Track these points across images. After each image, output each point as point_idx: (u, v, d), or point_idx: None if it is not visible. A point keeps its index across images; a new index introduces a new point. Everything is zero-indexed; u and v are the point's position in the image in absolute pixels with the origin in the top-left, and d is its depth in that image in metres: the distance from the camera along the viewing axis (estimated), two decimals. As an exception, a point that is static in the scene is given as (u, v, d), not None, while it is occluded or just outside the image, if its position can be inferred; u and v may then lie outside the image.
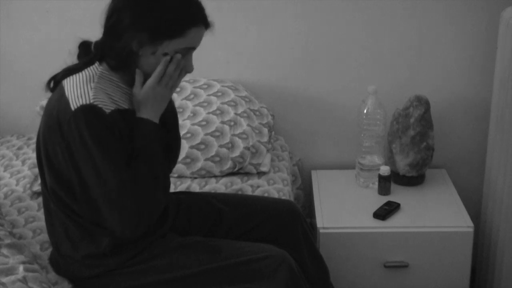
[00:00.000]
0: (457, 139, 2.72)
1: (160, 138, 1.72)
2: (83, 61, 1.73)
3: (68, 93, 1.64)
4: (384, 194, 2.50)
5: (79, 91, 1.64)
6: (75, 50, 1.76)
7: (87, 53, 1.74)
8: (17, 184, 2.29)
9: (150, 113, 1.70)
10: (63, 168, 1.69)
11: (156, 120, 1.71)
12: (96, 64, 1.72)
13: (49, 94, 1.78)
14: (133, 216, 1.64)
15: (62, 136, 1.64)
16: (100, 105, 1.63)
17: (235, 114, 2.46)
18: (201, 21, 1.69)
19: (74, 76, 1.69)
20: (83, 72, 1.70)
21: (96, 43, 1.70)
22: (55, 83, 1.73)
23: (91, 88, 1.65)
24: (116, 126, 1.65)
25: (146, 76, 1.72)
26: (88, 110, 1.61)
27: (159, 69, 1.67)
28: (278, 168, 2.46)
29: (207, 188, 2.32)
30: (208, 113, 2.43)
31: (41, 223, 2.04)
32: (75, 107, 1.62)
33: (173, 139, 1.89)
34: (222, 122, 2.42)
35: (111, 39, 1.66)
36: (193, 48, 1.71)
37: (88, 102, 1.62)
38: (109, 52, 1.68)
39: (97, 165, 1.62)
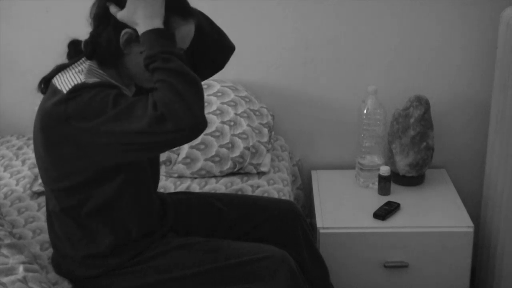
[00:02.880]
0: (457, 139, 2.72)
1: (168, 41, 1.58)
2: (73, 60, 1.72)
3: (60, 86, 1.62)
4: (384, 194, 2.50)
5: (69, 80, 1.62)
6: (65, 50, 1.75)
7: (77, 52, 1.73)
8: (17, 184, 2.29)
9: (146, 21, 1.56)
10: (73, 161, 1.64)
11: (156, 25, 1.56)
12: (83, 59, 1.70)
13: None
14: (186, 120, 1.50)
15: (65, 127, 1.58)
16: (92, 81, 1.60)
17: (235, 114, 2.46)
18: (189, 18, 1.67)
19: (63, 72, 1.68)
20: (72, 67, 1.68)
21: (86, 41, 1.69)
22: (46, 83, 1.72)
23: (81, 75, 1.63)
24: (113, 87, 1.59)
25: (133, 79, 1.71)
26: (81, 86, 1.58)
27: None
28: (278, 168, 2.46)
29: (207, 188, 2.32)
30: (208, 113, 2.43)
31: (41, 223, 2.04)
32: (67, 90, 1.59)
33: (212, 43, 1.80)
34: (222, 122, 2.42)
35: (100, 36, 1.65)
36: (181, 50, 1.68)
37: (79, 82, 1.60)
38: (98, 50, 1.66)
39: (120, 116, 1.52)
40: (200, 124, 1.53)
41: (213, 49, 1.87)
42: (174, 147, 1.63)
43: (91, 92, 1.57)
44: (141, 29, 1.58)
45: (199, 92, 1.55)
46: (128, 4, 1.59)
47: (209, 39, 1.85)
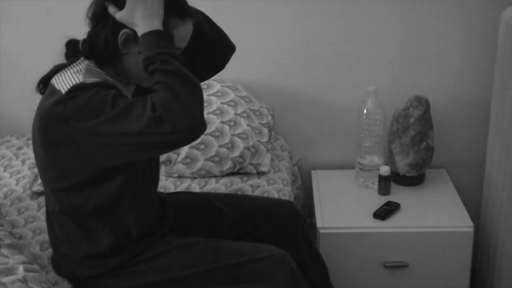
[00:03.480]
0: (457, 139, 2.72)
1: (166, 43, 1.58)
2: (72, 60, 1.72)
3: (59, 86, 1.62)
4: (384, 194, 2.50)
5: (68, 79, 1.62)
6: (63, 50, 1.75)
7: (75, 52, 1.73)
8: (17, 184, 2.29)
9: (144, 23, 1.57)
10: (72, 161, 1.64)
11: (155, 27, 1.57)
12: (82, 59, 1.70)
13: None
14: (184, 122, 1.50)
15: (64, 127, 1.58)
16: (91, 82, 1.60)
17: (235, 114, 2.46)
18: (187, 18, 1.67)
19: (61, 72, 1.68)
20: (70, 67, 1.68)
21: (84, 41, 1.69)
22: (44, 84, 1.72)
23: (80, 75, 1.63)
24: (112, 87, 1.60)
25: (131, 78, 1.71)
26: (79, 86, 1.58)
27: None
28: (278, 168, 2.46)
29: (207, 188, 2.32)
30: (208, 113, 2.43)
31: (41, 223, 2.04)
32: (66, 90, 1.59)
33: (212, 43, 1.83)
34: (222, 122, 2.42)
35: (98, 36, 1.65)
36: (179, 49, 1.68)
37: (78, 82, 1.60)
38: (96, 49, 1.66)
39: (118, 116, 1.52)
40: (197, 125, 1.52)
41: (214, 49, 1.87)
42: (173, 148, 1.64)
43: (89, 92, 1.57)
44: (140, 30, 1.58)
45: (197, 93, 1.55)
46: (127, 5, 1.59)
47: (209, 39, 1.85)
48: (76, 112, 1.56)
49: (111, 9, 1.61)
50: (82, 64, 1.68)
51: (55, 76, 1.67)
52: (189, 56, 1.82)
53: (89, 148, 1.59)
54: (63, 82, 1.62)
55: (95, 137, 1.56)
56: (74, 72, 1.65)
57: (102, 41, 1.64)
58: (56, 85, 1.63)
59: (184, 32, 1.67)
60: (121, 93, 1.61)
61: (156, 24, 1.58)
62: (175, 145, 1.59)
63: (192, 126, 1.51)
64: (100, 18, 1.64)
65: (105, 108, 1.54)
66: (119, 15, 1.60)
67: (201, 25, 1.81)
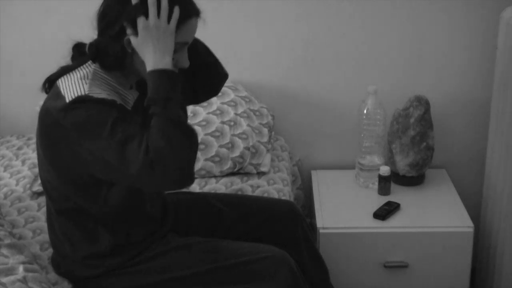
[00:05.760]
0: (457, 139, 2.72)
1: (173, 86, 1.60)
2: (78, 62, 1.72)
3: (64, 91, 1.62)
4: (384, 194, 2.50)
5: (73, 86, 1.62)
6: (69, 52, 1.75)
7: (81, 55, 1.72)
8: (17, 184, 2.29)
9: (156, 56, 1.58)
10: (70, 165, 1.65)
11: (165, 64, 1.58)
12: (89, 62, 1.70)
13: (48, 95, 1.76)
14: (173, 173, 1.53)
15: (63, 132, 1.59)
16: (96, 96, 1.60)
17: (235, 114, 2.46)
18: (193, 13, 1.66)
19: (68, 75, 1.68)
20: (77, 70, 1.68)
21: (91, 44, 1.68)
22: (50, 83, 1.72)
23: (86, 83, 1.63)
24: (115, 108, 1.60)
25: (141, 75, 1.70)
26: (83, 98, 1.59)
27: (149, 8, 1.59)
28: (278, 168, 2.46)
29: (207, 188, 2.32)
30: (208, 113, 2.43)
31: (41, 223, 2.04)
32: (70, 100, 1.59)
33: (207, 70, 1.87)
34: (222, 122, 2.42)
35: (105, 38, 1.64)
36: (186, 43, 1.67)
37: (83, 93, 1.60)
38: (103, 52, 1.65)
39: (113, 147, 1.54)
40: (186, 178, 1.56)
41: (208, 75, 1.89)
42: (156, 191, 1.75)
43: (92, 109, 1.58)
44: (149, 64, 1.59)
45: (193, 147, 1.57)
46: (140, 35, 1.59)
47: (203, 62, 1.86)
48: (76, 125, 1.58)
49: (129, 31, 1.61)
50: (89, 68, 1.68)
51: (62, 78, 1.67)
52: (190, 78, 1.84)
53: (83, 159, 1.60)
54: (69, 88, 1.62)
55: (88, 154, 1.58)
56: (80, 78, 1.64)
57: (111, 49, 1.63)
58: (61, 89, 1.63)
59: (188, 26, 1.66)
60: (122, 118, 1.59)
61: (166, 61, 1.59)
62: (159, 190, 1.69)
63: (179, 180, 1.55)
64: (113, 32, 1.63)
65: (104, 132, 1.55)
66: (133, 41, 1.61)
67: (197, 46, 1.82)
